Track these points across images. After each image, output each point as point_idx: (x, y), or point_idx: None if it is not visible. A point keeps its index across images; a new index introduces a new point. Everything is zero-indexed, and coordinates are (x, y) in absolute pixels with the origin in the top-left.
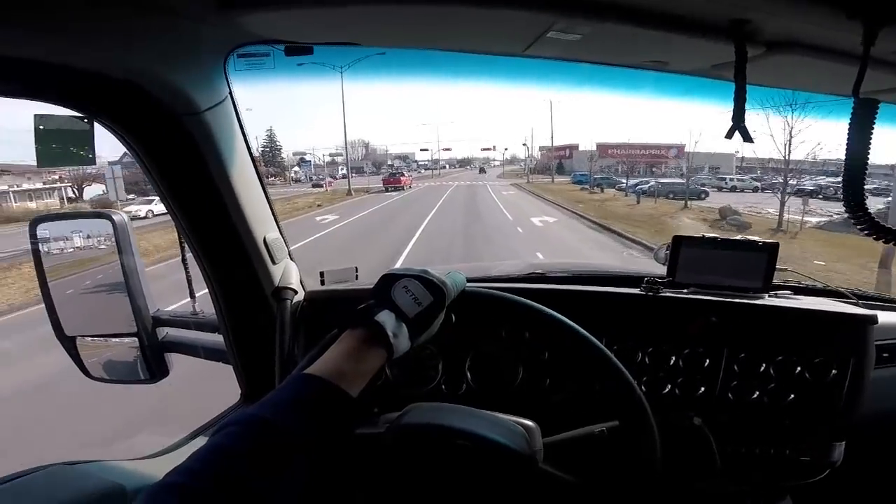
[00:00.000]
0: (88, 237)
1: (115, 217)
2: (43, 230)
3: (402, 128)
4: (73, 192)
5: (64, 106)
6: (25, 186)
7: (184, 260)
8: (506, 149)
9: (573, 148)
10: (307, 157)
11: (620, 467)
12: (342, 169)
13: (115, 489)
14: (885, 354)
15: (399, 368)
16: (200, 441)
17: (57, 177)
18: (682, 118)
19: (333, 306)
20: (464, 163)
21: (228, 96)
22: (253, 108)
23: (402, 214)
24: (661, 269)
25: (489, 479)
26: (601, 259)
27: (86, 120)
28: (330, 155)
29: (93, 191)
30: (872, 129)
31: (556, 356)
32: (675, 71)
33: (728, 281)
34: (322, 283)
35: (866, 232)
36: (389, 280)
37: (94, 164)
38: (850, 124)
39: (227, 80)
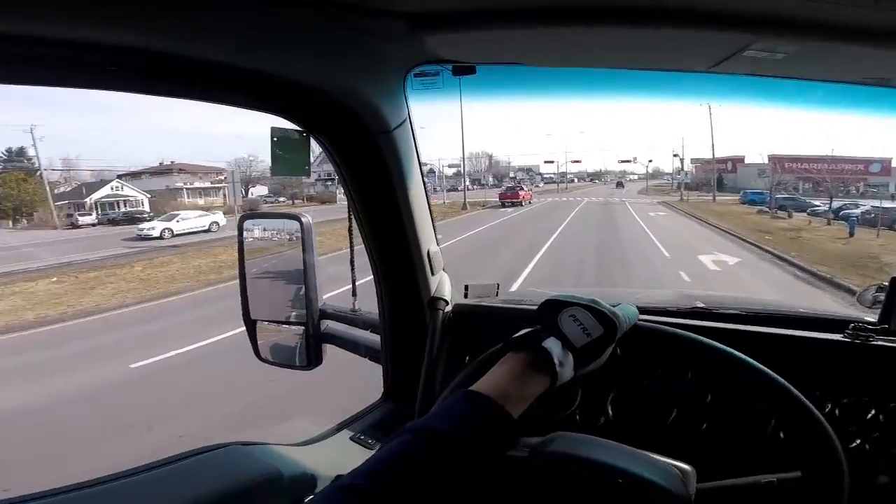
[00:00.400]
0: (278, 234)
1: (303, 219)
2: (248, 225)
3: (526, 138)
4: (242, 192)
5: (288, 119)
6: (197, 185)
7: (352, 261)
8: (650, 161)
9: (737, 160)
10: (433, 168)
11: None
12: (466, 181)
13: (275, 474)
14: None
15: None
16: (345, 434)
17: (223, 177)
18: (871, 130)
19: (477, 320)
20: (595, 176)
21: (408, 116)
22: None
23: (516, 236)
24: (857, 312)
25: None
26: None
27: (304, 134)
28: (449, 166)
29: (257, 191)
30: None
31: (723, 400)
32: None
33: None
34: (465, 296)
35: None
36: (555, 307)
37: (310, 176)
38: None
39: (405, 99)
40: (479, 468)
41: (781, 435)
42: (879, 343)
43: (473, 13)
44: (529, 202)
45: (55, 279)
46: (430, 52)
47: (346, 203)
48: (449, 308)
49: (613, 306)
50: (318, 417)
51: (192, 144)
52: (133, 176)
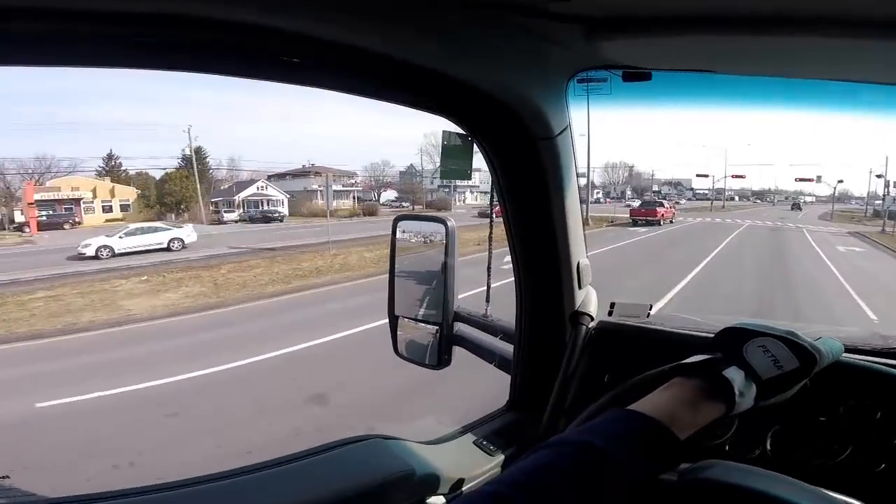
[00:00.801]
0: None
1: (448, 223)
2: (400, 226)
3: (678, 150)
4: (374, 196)
5: (448, 119)
6: (333, 188)
7: (489, 267)
8: (840, 181)
9: None
10: None
11: None
12: (597, 192)
13: (409, 470)
14: None
15: None
16: (469, 437)
17: (353, 181)
18: None
19: (622, 340)
20: (760, 195)
21: (569, 122)
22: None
23: (634, 271)
24: None
25: None
26: None
27: (469, 138)
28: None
29: (387, 196)
30: None
31: None
32: None
33: None
34: (610, 313)
35: None
36: (741, 335)
37: (471, 179)
38: None
39: (567, 105)
40: (632, 489)
41: None
42: None
43: (653, 19)
44: (670, 221)
45: None
46: (601, 56)
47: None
48: (593, 324)
49: (815, 340)
50: (445, 418)
51: (333, 149)
52: (279, 177)
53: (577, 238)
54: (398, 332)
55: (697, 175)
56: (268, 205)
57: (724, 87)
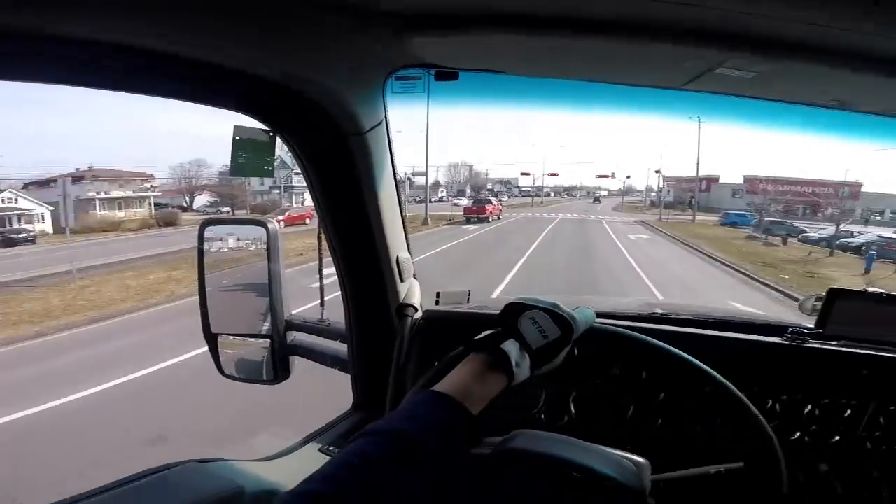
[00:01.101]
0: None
1: (269, 225)
2: (209, 232)
3: (506, 149)
4: (185, 201)
5: (252, 116)
6: (115, 194)
7: (320, 270)
8: (628, 176)
9: (712, 180)
10: (407, 176)
11: None
12: (441, 192)
13: (237, 490)
14: None
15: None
16: (313, 446)
17: (149, 185)
18: (838, 154)
19: (448, 327)
20: (570, 191)
21: (384, 119)
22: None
23: (470, 267)
24: (797, 318)
25: None
26: None
27: (270, 133)
28: (411, 174)
29: (200, 201)
30: None
31: (674, 397)
32: (856, 110)
33: (885, 335)
34: (437, 303)
35: None
36: (517, 310)
37: (273, 176)
38: None
39: (384, 102)
40: (442, 466)
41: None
42: (814, 346)
43: (460, 17)
44: (498, 217)
45: None
46: (413, 55)
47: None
48: (419, 315)
49: (573, 310)
50: (285, 431)
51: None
52: (41, 185)
53: (396, 232)
54: (221, 352)
55: (522, 174)
56: (18, 221)
57: (532, 89)
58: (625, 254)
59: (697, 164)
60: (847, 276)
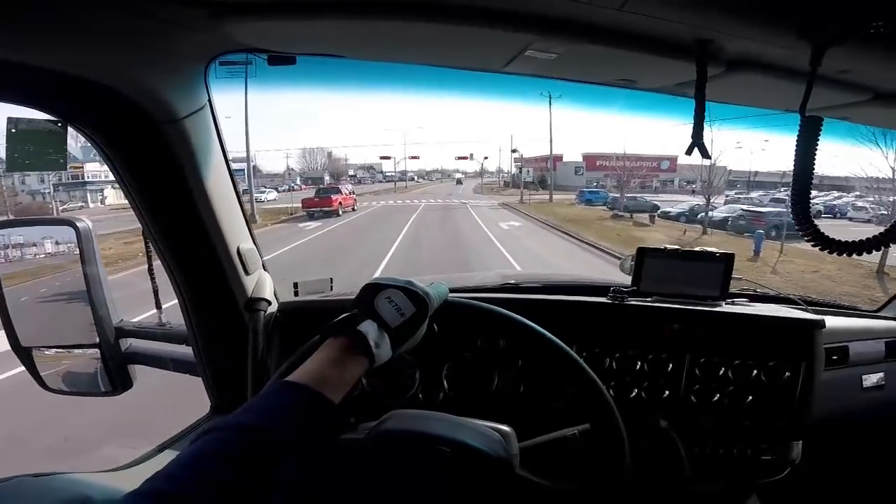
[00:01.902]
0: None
1: (79, 224)
2: (6, 235)
3: (366, 134)
4: None
5: (36, 109)
6: None
7: (150, 269)
8: (485, 157)
9: (556, 159)
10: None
11: (593, 469)
12: (299, 179)
13: (82, 501)
14: (834, 357)
15: (376, 378)
16: (169, 454)
17: None
18: (657, 132)
19: (308, 317)
20: (431, 174)
21: (207, 104)
22: (232, 116)
23: None
24: (629, 280)
25: (467, 484)
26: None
27: (59, 124)
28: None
29: None
30: (817, 144)
31: (530, 363)
32: (643, 88)
33: (688, 290)
34: (296, 294)
35: (813, 243)
36: (373, 290)
37: (66, 169)
38: (797, 140)
39: (207, 87)
40: (306, 455)
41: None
42: (632, 303)
43: (276, 2)
44: (353, 209)
45: None
46: (235, 40)
47: None
48: (273, 308)
49: (427, 286)
50: (137, 441)
51: None
52: None
53: (234, 223)
54: (41, 366)
55: (381, 157)
56: None
57: (377, 73)
58: (502, 251)
59: (551, 143)
60: (740, 262)
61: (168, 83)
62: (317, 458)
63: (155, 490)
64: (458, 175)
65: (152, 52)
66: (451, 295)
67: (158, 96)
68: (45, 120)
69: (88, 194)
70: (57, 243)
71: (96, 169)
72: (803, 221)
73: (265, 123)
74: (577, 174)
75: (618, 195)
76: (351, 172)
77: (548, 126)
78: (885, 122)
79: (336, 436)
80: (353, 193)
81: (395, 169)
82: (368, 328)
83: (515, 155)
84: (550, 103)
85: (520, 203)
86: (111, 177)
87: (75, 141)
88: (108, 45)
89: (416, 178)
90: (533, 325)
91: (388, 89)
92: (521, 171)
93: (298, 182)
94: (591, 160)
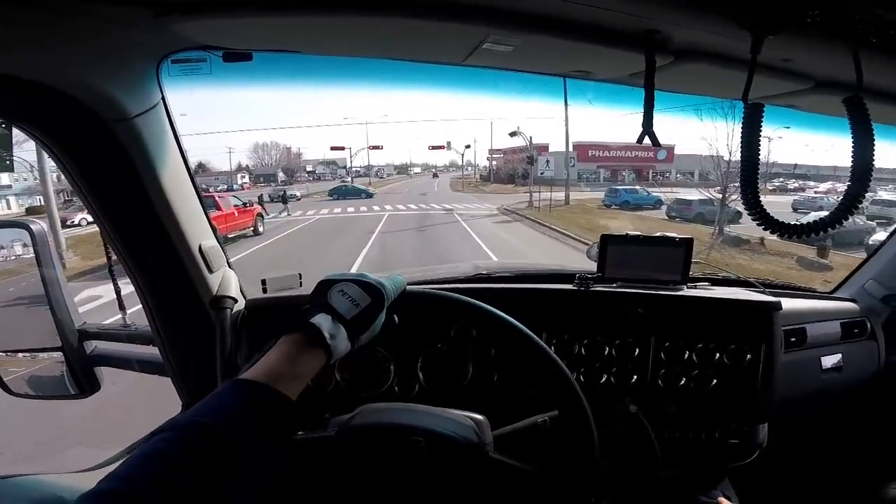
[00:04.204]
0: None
1: (33, 227)
2: None
3: (326, 128)
4: None
5: None
6: None
7: (110, 270)
8: (467, 146)
9: (542, 148)
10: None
11: (564, 455)
12: (241, 178)
13: (55, 501)
14: (792, 339)
15: (350, 373)
16: None
17: None
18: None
19: (276, 314)
20: (402, 169)
21: (161, 102)
22: (188, 114)
23: None
24: (593, 267)
25: (442, 473)
26: None
27: (3, 125)
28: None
29: None
30: (760, 130)
31: (503, 352)
32: (598, 79)
33: (650, 274)
34: (264, 290)
35: (763, 226)
36: (326, 285)
37: (13, 170)
38: (742, 127)
39: (160, 85)
40: (263, 454)
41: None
42: (597, 289)
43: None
44: (253, 231)
45: None
46: (186, 38)
47: None
48: (240, 305)
49: (384, 278)
50: (108, 443)
51: None
52: None
53: (194, 220)
54: (5, 369)
55: (332, 148)
56: None
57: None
58: None
59: (567, 133)
60: None
61: (116, 82)
62: (285, 457)
63: (108, 490)
64: (435, 168)
65: (97, 51)
66: (411, 286)
67: (106, 95)
68: None
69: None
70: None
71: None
72: (753, 205)
73: (217, 118)
74: (571, 166)
75: (693, 199)
76: (309, 168)
77: (528, 117)
78: (827, 110)
79: (295, 430)
80: (252, 204)
81: (350, 162)
82: (322, 320)
83: (524, 135)
84: (566, 90)
85: (528, 209)
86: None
87: None
88: (46, 45)
89: (383, 174)
90: (492, 309)
91: (349, 83)
92: (533, 160)
93: (246, 180)
94: (582, 150)
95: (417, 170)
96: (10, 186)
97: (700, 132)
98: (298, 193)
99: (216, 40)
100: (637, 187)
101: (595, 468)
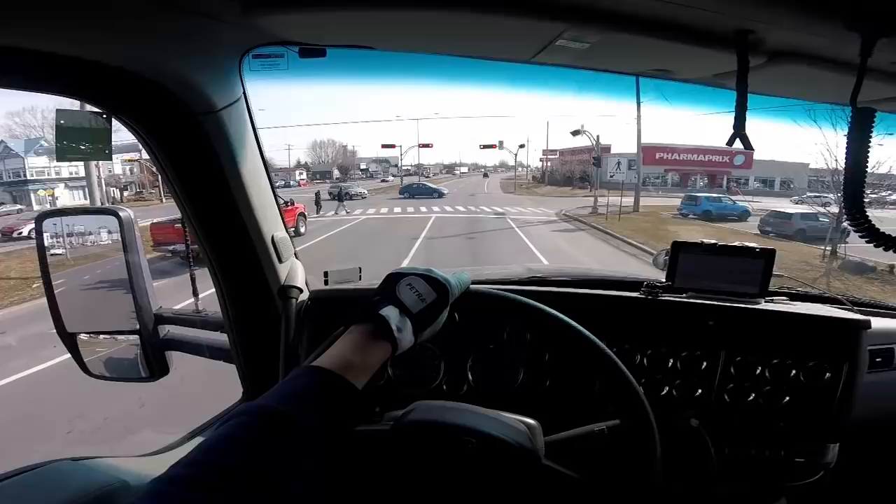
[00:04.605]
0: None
1: (121, 213)
2: (50, 224)
3: (380, 126)
4: None
5: (83, 101)
6: None
7: (188, 257)
8: (521, 145)
9: (604, 150)
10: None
11: (621, 465)
12: (299, 174)
13: (119, 485)
14: (878, 359)
15: (401, 368)
16: (199, 440)
17: None
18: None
19: (337, 305)
20: (450, 168)
21: (242, 96)
22: (266, 109)
23: None
24: (660, 275)
25: (493, 476)
26: None
27: (104, 116)
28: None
29: None
30: (871, 137)
31: (558, 357)
32: (679, 79)
33: (725, 286)
34: (326, 283)
35: (867, 239)
36: (394, 278)
37: (111, 159)
38: (848, 133)
39: (241, 79)
40: (328, 443)
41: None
42: (666, 298)
43: None
44: (295, 231)
45: None
46: (270, 33)
47: None
48: (305, 296)
49: (449, 274)
50: (172, 427)
51: None
52: None
53: (268, 211)
54: (85, 351)
55: (383, 145)
56: None
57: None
58: None
59: (639, 133)
60: None
61: (205, 75)
62: (340, 448)
63: (177, 476)
64: (486, 169)
65: (190, 44)
66: (473, 285)
67: (197, 88)
68: (91, 112)
69: (32, 195)
70: (109, 232)
71: (42, 165)
72: (857, 217)
73: (279, 114)
74: (632, 168)
75: (794, 212)
76: (363, 166)
77: (585, 118)
78: None
79: (358, 421)
80: (294, 203)
81: (401, 161)
82: (390, 313)
83: (588, 135)
84: (638, 88)
85: (595, 215)
86: (63, 174)
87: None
88: (148, 38)
89: (430, 172)
90: (560, 315)
91: (405, 79)
92: (599, 162)
93: (303, 176)
94: (648, 151)
95: (464, 169)
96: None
97: (790, 138)
98: (365, 191)
99: (294, 35)
100: (721, 196)
101: (653, 483)
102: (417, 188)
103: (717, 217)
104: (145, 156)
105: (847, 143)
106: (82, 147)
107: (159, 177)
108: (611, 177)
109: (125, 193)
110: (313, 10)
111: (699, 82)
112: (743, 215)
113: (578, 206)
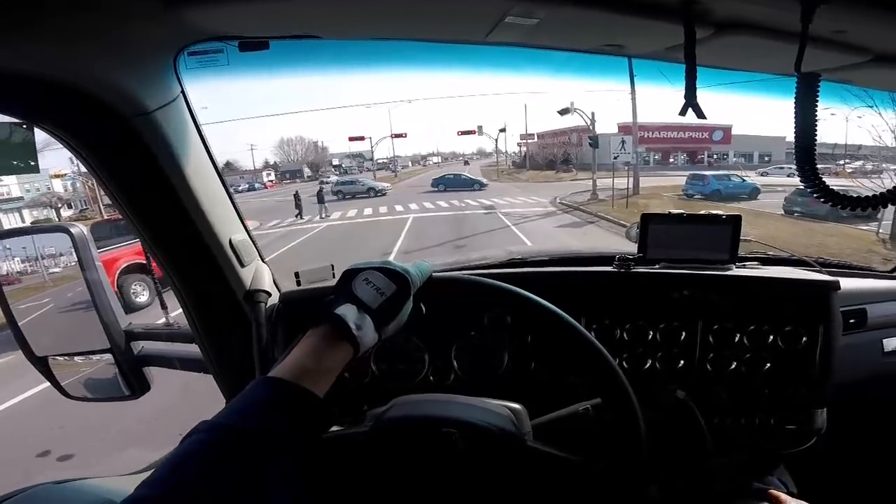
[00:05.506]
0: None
1: (73, 230)
2: (2, 246)
3: (349, 119)
4: None
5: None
6: None
7: (150, 270)
8: (502, 129)
9: (584, 131)
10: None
11: (608, 444)
12: (266, 175)
13: None
14: (851, 320)
15: (386, 363)
16: None
17: None
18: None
19: (310, 305)
20: (426, 158)
21: (181, 95)
22: (209, 107)
23: None
24: (635, 248)
25: (479, 464)
26: None
27: (24, 126)
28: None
29: None
30: (817, 102)
31: (541, 340)
32: (632, 55)
33: (696, 254)
34: (298, 283)
35: (822, 199)
36: (350, 274)
37: (38, 172)
38: (795, 100)
39: (178, 78)
40: (290, 452)
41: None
42: (639, 270)
43: None
44: None
45: None
46: (204, 29)
47: None
48: (275, 299)
49: (408, 265)
50: (158, 443)
51: None
52: None
53: (223, 213)
54: (60, 373)
55: (350, 139)
56: None
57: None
58: None
59: (634, 112)
60: None
61: (134, 76)
62: (310, 456)
63: (141, 497)
64: (465, 157)
65: (111, 46)
66: (440, 273)
67: (126, 91)
68: (9, 124)
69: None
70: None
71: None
72: (811, 179)
73: (236, 110)
74: (619, 148)
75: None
76: (335, 162)
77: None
78: (887, 85)
79: (323, 427)
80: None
81: (373, 153)
82: (347, 311)
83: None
84: (631, 67)
85: (595, 202)
86: (28, 194)
87: None
88: (64, 43)
89: (410, 163)
90: (523, 292)
91: (370, 68)
92: (597, 142)
93: (270, 177)
94: (627, 130)
95: (436, 159)
96: (21, 198)
97: (768, 112)
98: (386, 185)
99: (231, 29)
100: (728, 173)
101: (640, 458)
102: (452, 180)
103: (727, 196)
104: (83, 169)
105: (795, 109)
106: (5, 161)
107: (98, 190)
108: (614, 158)
109: (69, 212)
110: (248, 1)
111: (653, 58)
112: (753, 193)
113: (572, 191)
